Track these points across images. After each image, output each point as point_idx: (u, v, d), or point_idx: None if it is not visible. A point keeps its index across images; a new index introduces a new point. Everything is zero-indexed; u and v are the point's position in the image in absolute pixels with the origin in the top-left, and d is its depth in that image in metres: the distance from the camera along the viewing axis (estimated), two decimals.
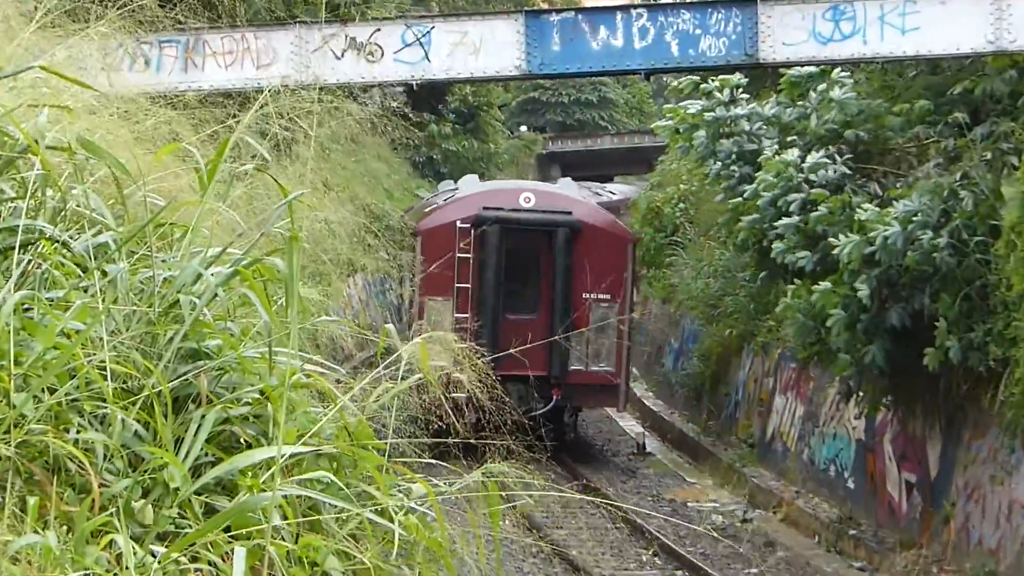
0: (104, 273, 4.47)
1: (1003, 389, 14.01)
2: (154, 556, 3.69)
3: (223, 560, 3.79)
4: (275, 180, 4.88)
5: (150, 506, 3.83)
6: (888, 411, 17.22)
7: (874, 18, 14.21)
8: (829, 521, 18.33)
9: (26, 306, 4.20)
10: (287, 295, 4.38)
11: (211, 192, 4.85)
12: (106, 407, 4.01)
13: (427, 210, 26.58)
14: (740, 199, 18.23)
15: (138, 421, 4.07)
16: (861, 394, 16.96)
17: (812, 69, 17.70)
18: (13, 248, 4.37)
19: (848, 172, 16.81)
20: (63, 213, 4.86)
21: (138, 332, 4.33)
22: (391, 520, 4.31)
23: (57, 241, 4.59)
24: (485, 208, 23.56)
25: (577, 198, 25.88)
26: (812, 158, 16.72)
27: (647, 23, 14.66)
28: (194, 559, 3.77)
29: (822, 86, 17.72)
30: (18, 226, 4.43)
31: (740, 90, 19.59)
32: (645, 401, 30.56)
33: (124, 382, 4.18)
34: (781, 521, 19.46)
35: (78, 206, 4.89)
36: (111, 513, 3.76)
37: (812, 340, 16.54)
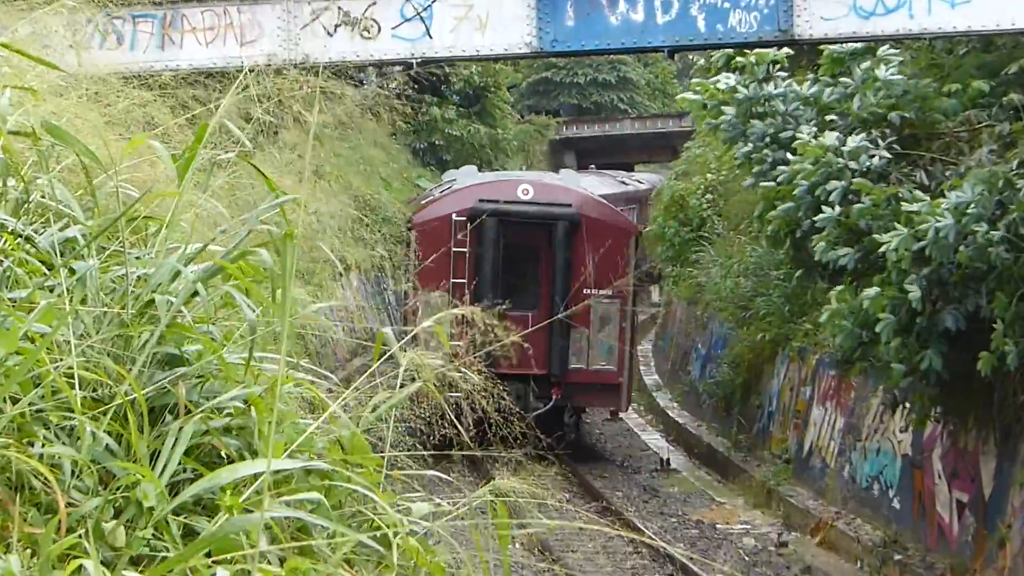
0: (72, 271, 4.47)
1: None
2: None
3: None
4: (259, 170, 4.87)
5: (122, 527, 3.83)
6: (937, 423, 17.18)
7: None
8: (872, 545, 18.30)
9: None
10: (281, 295, 4.37)
11: (189, 182, 4.84)
12: (74, 418, 4.01)
13: (423, 202, 27.52)
14: (773, 183, 18.05)
15: (110, 433, 4.07)
16: (908, 405, 16.93)
17: (855, 45, 17.66)
18: None
19: (892, 158, 16.76)
20: (26, 205, 4.86)
21: (110, 335, 4.33)
22: (388, 544, 4.30)
23: (20, 236, 4.59)
24: (481, 200, 24.53)
25: (578, 190, 26.83)
26: (852, 141, 16.63)
27: None
28: None
29: (866, 64, 17.67)
30: None
31: (778, 66, 19.49)
32: (669, 412, 30.58)
33: (94, 390, 4.18)
34: (819, 545, 19.44)
35: (43, 197, 4.89)
36: (80, 535, 3.76)
37: (857, 349, 16.38)
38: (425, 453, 5.44)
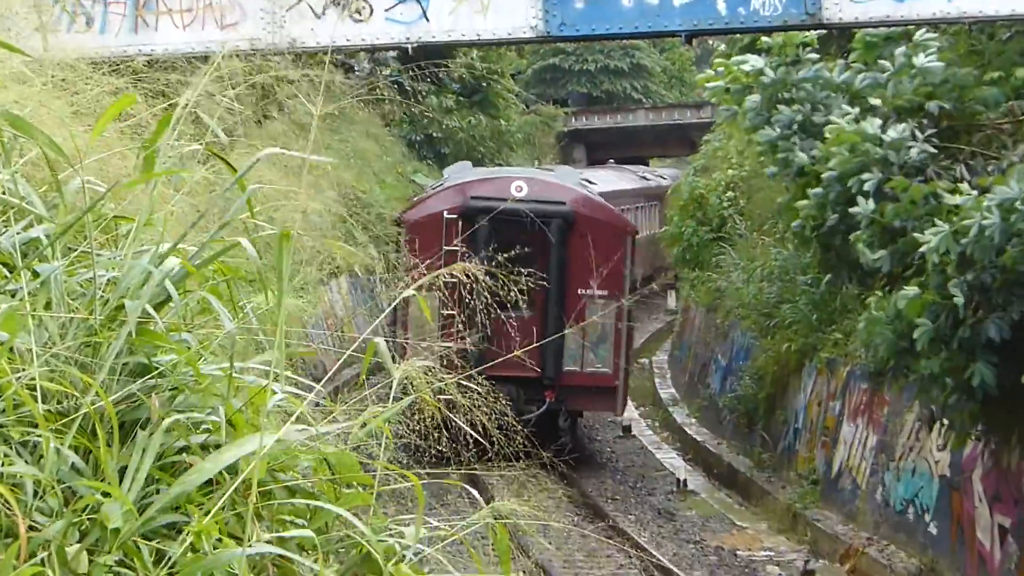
0: (35, 273, 4.46)
1: None
2: None
3: None
4: (226, 162, 4.86)
5: (85, 552, 3.82)
6: (978, 441, 17.15)
7: None
8: (907, 574, 18.29)
9: None
10: (276, 303, 4.36)
11: (160, 177, 4.83)
12: (38, 433, 4.00)
13: (414, 200, 28.43)
14: (802, 167, 17.71)
15: (76, 449, 4.06)
16: (947, 421, 16.88)
17: (890, 28, 17.60)
18: None
19: (932, 152, 16.68)
20: None
21: (76, 343, 4.32)
22: (379, 572, 4.29)
23: None
24: (474, 198, 25.38)
25: (573, 187, 27.65)
26: (893, 132, 16.50)
27: None
28: None
29: (901, 49, 17.61)
30: None
31: (808, 49, 19.36)
32: (687, 429, 30.59)
33: (59, 403, 4.17)
34: (849, 574, 19.42)
35: (3, 194, 4.89)
36: (41, 561, 3.75)
37: (893, 359, 16.23)
38: (420, 471, 5.43)
